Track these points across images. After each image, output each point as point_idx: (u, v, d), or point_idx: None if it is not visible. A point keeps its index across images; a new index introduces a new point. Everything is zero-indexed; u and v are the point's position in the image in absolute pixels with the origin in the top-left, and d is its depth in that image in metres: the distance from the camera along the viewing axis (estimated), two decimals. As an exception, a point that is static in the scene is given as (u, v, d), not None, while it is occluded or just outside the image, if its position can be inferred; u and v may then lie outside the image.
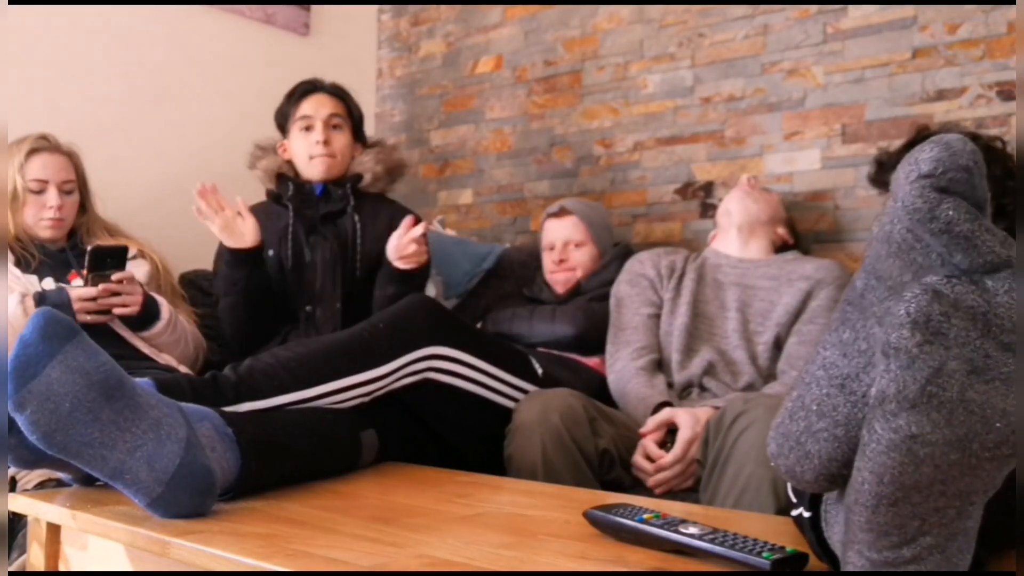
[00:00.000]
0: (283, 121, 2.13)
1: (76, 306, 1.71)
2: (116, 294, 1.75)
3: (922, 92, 2.03)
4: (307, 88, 2.12)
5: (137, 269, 1.90)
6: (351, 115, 2.12)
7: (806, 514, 0.89)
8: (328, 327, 1.94)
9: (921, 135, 1.68)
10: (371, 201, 2.10)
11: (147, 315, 1.83)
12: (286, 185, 2.08)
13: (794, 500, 0.96)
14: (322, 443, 1.34)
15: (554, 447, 1.50)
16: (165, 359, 1.86)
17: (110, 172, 2.15)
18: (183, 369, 1.86)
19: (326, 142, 2.03)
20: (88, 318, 1.73)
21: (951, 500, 0.66)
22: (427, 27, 2.98)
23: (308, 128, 2.06)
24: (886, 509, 0.66)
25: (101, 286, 1.73)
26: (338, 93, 2.13)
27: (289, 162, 2.12)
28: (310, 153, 2.04)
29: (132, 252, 1.90)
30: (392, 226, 2.00)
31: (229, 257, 1.94)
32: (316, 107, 2.07)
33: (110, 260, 1.77)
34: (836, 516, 0.80)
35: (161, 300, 1.90)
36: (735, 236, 1.98)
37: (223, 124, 2.61)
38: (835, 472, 0.74)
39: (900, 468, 0.64)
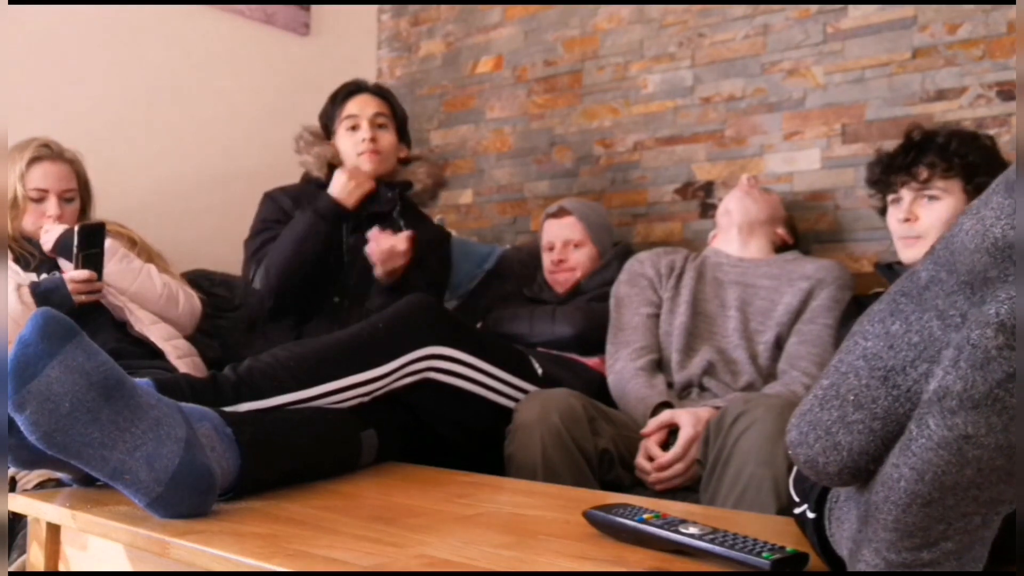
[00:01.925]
0: (328, 122, 2.16)
1: (70, 287, 1.75)
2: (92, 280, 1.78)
3: (922, 92, 2.03)
4: (352, 89, 2.15)
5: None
6: (395, 115, 2.15)
7: (810, 514, 0.89)
8: (354, 323, 1.94)
9: (911, 137, 1.69)
10: (413, 211, 2.13)
11: None
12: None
13: (797, 499, 0.96)
14: (322, 443, 1.34)
15: (554, 447, 1.50)
16: (172, 348, 1.86)
17: (109, 172, 2.15)
18: (184, 368, 1.86)
19: (373, 139, 2.06)
20: (83, 298, 1.76)
21: (980, 507, 0.66)
22: (427, 27, 2.98)
23: (354, 127, 2.09)
24: (918, 509, 0.65)
25: (87, 272, 1.76)
26: (382, 93, 2.16)
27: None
28: (357, 151, 2.07)
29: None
30: (431, 245, 2.05)
31: (331, 210, 1.97)
32: (361, 107, 2.10)
33: (93, 238, 1.78)
34: (847, 514, 0.79)
35: (151, 270, 1.93)
36: (735, 236, 1.98)
37: (223, 124, 2.61)
38: (862, 467, 0.72)
39: (945, 467, 0.63)
